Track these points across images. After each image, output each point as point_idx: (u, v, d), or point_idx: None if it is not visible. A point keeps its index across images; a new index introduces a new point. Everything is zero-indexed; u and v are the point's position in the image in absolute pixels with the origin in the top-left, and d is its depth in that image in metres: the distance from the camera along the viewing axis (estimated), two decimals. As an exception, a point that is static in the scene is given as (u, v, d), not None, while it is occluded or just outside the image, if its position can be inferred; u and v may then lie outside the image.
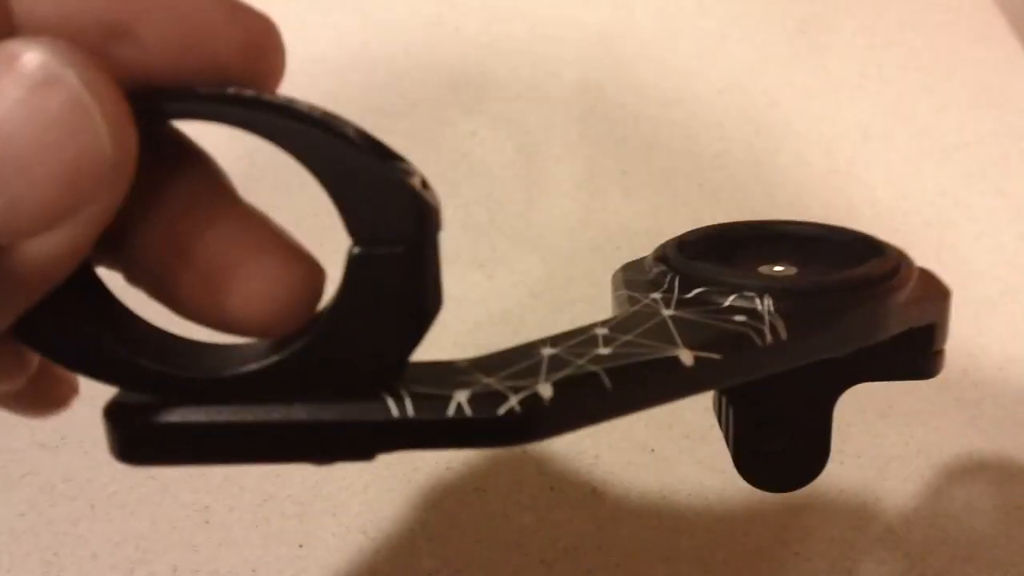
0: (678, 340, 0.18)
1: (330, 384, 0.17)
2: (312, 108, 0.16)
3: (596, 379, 0.17)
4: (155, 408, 0.17)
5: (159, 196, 0.17)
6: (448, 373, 0.18)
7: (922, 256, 0.46)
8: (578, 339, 0.19)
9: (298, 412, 0.17)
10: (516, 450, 0.37)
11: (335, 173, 0.16)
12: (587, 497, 0.36)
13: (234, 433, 0.17)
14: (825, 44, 0.60)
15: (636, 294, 0.21)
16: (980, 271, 0.46)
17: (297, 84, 0.47)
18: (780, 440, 0.24)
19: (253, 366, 0.17)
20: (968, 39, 0.58)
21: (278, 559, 0.34)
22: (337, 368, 0.17)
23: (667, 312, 0.20)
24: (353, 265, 0.16)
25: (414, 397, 0.17)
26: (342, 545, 0.35)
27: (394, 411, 0.17)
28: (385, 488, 0.36)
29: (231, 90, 0.16)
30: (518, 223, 0.46)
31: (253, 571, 0.34)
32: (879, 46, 0.58)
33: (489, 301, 0.43)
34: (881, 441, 0.39)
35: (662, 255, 0.23)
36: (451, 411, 0.17)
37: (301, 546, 0.35)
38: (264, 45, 0.17)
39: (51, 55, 0.13)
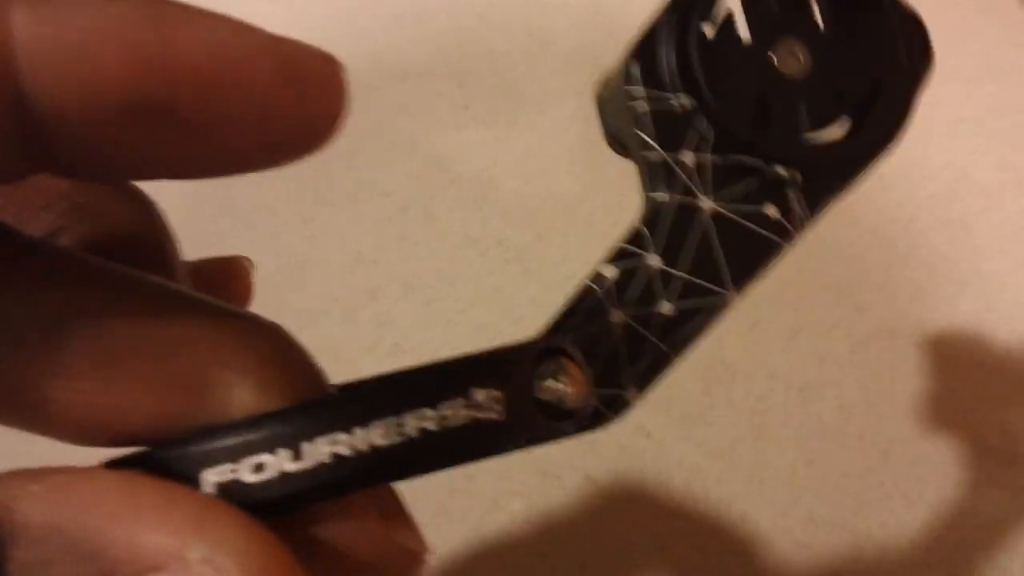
0: (726, 276, 0.18)
1: None
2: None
3: (667, 361, 0.18)
4: None
5: None
6: None
7: (927, 230, 0.45)
8: (639, 289, 0.18)
9: None
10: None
11: None
12: (581, 484, 0.35)
13: None
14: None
15: (664, 157, 0.19)
16: (985, 246, 0.45)
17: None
18: None
19: None
20: (974, 10, 0.56)
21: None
22: None
23: (707, 208, 0.19)
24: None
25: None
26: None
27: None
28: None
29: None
30: (512, 198, 0.45)
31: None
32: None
33: (482, 278, 0.42)
34: (884, 423, 0.38)
35: (684, 64, 0.19)
36: (560, 435, 0.17)
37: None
38: (322, 103, 0.13)
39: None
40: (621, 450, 0.36)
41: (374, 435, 0.13)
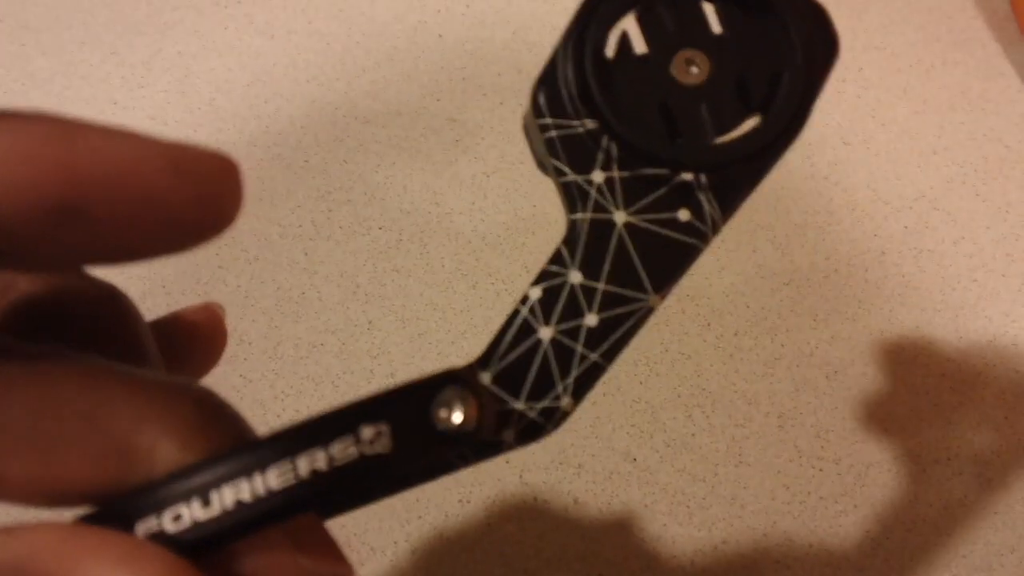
0: (646, 283, 0.19)
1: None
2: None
3: (598, 369, 0.19)
4: None
5: None
6: None
7: (900, 262, 0.47)
8: (562, 305, 0.19)
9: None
10: (499, 460, 0.37)
11: None
12: (570, 507, 0.37)
13: None
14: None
15: (576, 180, 0.19)
16: (957, 276, 0.47)
17: (281, 92, 0.47)
18: None
19: None
20: (947, 42, 0.58)
21: None
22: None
23: (620, 222, 0.19)
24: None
25: (476, 453, 0.19)
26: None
27: (463, 465, 0.19)
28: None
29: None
30: (502, 232, 0.47)
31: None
32: (859, 49, 0.58)
33: (473, 310, 0.43)
34: (860, 447, 0.39)
35: (583, 89, 0.19)
36: (504, 448, 0.19)
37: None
38: (215, 194, 0.15)
39: None
40: (608, 475, 0.38)
41: (270, 479, 0.14)
